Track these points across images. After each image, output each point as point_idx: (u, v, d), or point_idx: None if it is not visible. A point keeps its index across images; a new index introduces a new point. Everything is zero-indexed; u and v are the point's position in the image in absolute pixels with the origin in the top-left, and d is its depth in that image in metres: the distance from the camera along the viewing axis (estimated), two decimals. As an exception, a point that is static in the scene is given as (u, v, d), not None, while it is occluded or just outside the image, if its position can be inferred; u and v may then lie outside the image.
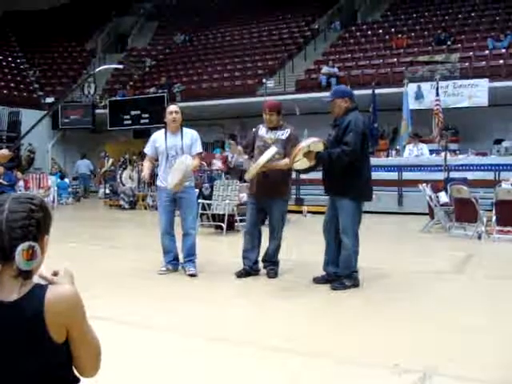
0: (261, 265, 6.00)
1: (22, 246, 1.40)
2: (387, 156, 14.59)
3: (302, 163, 5.43)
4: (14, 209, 1.44)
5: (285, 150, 5.68)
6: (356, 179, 5.29)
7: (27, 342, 1.40)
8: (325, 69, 17.85)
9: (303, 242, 8.33)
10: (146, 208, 15.23)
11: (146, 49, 26.49)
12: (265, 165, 5.53)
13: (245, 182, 8.39)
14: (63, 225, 11.62)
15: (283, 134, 5.79)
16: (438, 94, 12.93)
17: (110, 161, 18.94)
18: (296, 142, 5.61)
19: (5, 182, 13.38)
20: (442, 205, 9.56)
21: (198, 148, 6.15)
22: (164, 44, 26.14)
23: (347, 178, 5.25)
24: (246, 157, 6.13)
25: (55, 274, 1.52)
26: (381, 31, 20.86)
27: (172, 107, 6.20)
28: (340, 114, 5.39)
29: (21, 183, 15.50)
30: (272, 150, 5.55)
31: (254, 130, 6.09)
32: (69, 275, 1.52)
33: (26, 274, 1.43)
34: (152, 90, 21.22)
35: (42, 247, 1.47)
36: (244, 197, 9.24)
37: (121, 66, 17.57)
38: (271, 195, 5.77)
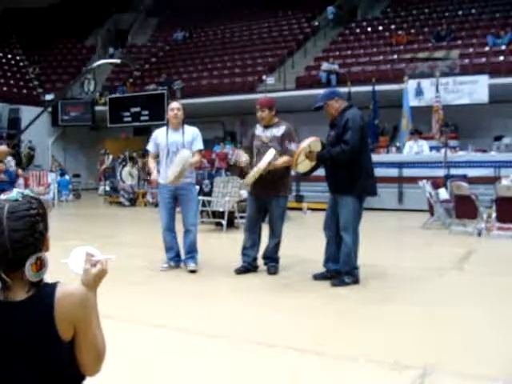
0: (261, 261, 6.02)
1: (30, 261, 1.40)
2: (387, 153, 14.59)
3: (304, 165, 5.45)
4: (14, 227, 1.40)
5: (281, 147, 5.71)
6: (357, 176, 5.29)
7: (37, 340, 1.41)
8: (325, 65, 17.83)
9: (303, 238, 8.34)
10: (146, 205, 15.25)
11: (145, 45, 26.47)
12: (265, 169, 5.54)
13: (244, 177, 8.39)
14: (64, 222, 11.64)
15: (278, 131, 5.81)
16: (437, 91, 12.92)
17: (110, 157, 18.96)
18: (292, 138, 5.65)
19: (6, 178, 13.45)
20: (442, 201, 9.57)
21: (199, 145, 6.16)
22: (164, 41, 26.10)
23: (348, 175, 5.26)
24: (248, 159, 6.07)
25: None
26: (381, 28, 20.82)
27: (174, 104, 6.24)
28: (336, 115, 5.40)
29: (21, 180, 15.50)
30: (270, 155, 5.56)
31: (252, 129, 6.11)
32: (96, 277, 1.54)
33: (37, 283, 1.44)
34: (152, 86, 21.20)
35: (47, 246, 1.48)
36: (244, 194, 9.26)
37: (118, 61, 17.60)
38: (271, 193, 5.78)
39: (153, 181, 6.57)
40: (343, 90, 12.01)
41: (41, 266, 1.42)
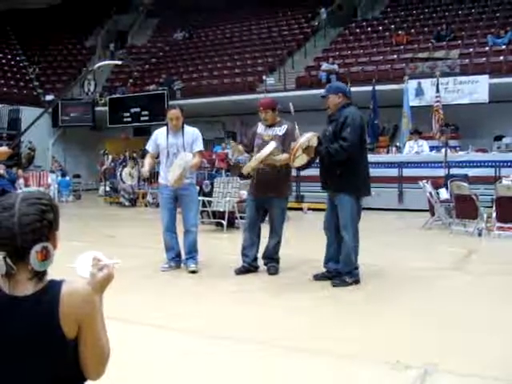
0: (261, 262, 6.02)
1: (36, 248, 1.41)
2: (387, 153, 14.58)
3: (300, 159, 5.44)
4: (25, 212, 1.43)
5: (283, 146, 5.70)
6: (354, 175, 5.30)
7: (41, 337, 1.41)
8: (324, 65, 17.83)
9: (303, 238, 8.33)
10: (146, 205, 15.25)
11: (145, 46, 26.46)
12: (263, 160, 5.55)
13: (245, 178, 8.41)
14: (65, 223, 11.61)
15: (280, 131, 5.82)
16: (438, 91, 12.91)
17: (110, 158, 18.96)
18: (293, 138, 5.63)
19: (6, 175, 13.55)
20: (442, 201, 9.56)
21: (199, 146, 6.15)
22: (164, 41, 26.10)
23: (345, 174, 5.26)
24: (247, 155, 6.16)
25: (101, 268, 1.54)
26: (381, 28, 20.81)
27: (172, 113, 6.05)
28: (335, 110, 5.41)
29: (21, 181, 15.52)
30: (271, 146, 5.58)
31: (253, 128, 6.11)
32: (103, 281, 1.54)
33: (41, 275, 1.44)
34: (152, 87, 21.19)
35: (54, 244, 1.49)
36: (244, 194, 9.25)
37: (119, 62, 17.55)
38: (271, 193, 5.78)
39: (143, 172, 6.64)
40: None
41: (46, 255, 1.42)
